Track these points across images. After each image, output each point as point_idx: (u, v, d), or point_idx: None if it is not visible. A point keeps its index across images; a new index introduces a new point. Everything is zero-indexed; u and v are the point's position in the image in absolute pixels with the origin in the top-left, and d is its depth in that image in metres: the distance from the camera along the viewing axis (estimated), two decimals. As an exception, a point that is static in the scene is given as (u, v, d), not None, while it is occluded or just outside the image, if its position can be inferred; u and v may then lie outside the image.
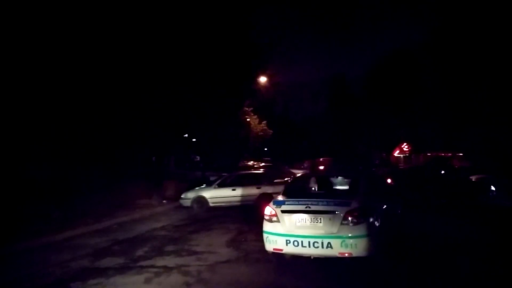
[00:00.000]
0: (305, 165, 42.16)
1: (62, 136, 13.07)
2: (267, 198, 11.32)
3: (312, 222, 5.60)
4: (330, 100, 50.77)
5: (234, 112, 24.29)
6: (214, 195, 13.27)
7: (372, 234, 5.46)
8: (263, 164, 32.95)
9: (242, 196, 13.03)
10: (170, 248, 7.76)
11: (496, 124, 19.25)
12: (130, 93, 14.30)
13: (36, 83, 11.97)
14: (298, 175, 14.00)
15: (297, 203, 5.88)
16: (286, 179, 14.22)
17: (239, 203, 13.02)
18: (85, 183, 13.79)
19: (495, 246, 7.15)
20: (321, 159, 40.53)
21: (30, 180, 11.89)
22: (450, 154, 29.83)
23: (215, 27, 16.66)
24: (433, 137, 28.47)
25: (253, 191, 12.95)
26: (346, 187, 7.55)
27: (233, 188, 13.26)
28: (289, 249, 5.73)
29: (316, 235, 5.50)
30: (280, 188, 10.10)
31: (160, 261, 6.72)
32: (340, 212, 5.48)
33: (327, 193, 6.66)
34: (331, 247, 5.40)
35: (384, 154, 42.27)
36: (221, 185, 13.59)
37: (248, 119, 33.12)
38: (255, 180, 13.54)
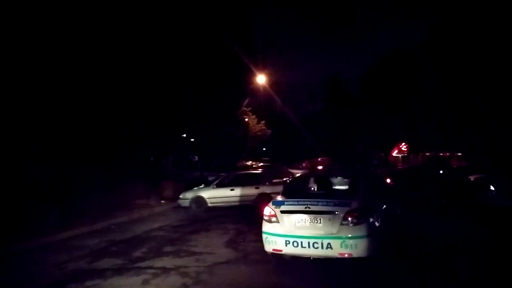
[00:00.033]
0: (304, 165, 42.11)
1: (62, 136, 13.04)
2: (266, 198, 11.32)
3: (311, 223, 5.55)
4: (328, 100, 50.77)
5: (233, 112, 24.29)
6: (212, 195, 13.22)
7: (372, 235, 5.41)
8: (261, 164, 32.87)
9: (240, 196, 12.99)
10: (168, 248, 7.71)
11: (495, 124, 19.25)
12: (130, 93, 14.28)
13: (36, 83, 11.95)
14: (297, 175, 13.97)
15: (296, 203, 5.83)
16: (284, 179, 14.18)
17: (237, 203, 12.97)
18: (85, 183, 13.77)
19: (495, 246, 7.13)
20: (319, 159, 40.51)
21: (30, 180, 11.88)
22: (448, 154, 29.89)
23: (213, 27, 16.66)
24: (432, 137, 28.47)
25: (252, 191, 12.90)
26: (345, 187, 7.50)
27: (232, 188, 13.21)
28: (289, 250, 5.68)
29: (315, 235, 5.45)
30: (279, 188, 10.09)
31: (158, 262, 6.67)
32: (340, 212, 5.43)
33: (326, 193, 6.60)
34: (331, 247, 5.36)
35: (383, 154, 42.30)
36: (220, 185, 13.54)
37: (246, 119, 33.07)
38: (253, 180, 13.49)
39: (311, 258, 5.72)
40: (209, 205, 13.10)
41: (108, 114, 14.11)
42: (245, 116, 32.46)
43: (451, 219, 10.22)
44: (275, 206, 5.96)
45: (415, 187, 14.00)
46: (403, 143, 39.20)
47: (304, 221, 5.61)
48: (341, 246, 5.32)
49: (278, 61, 28.32)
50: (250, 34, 20.45)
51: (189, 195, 13.45)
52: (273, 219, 5.85)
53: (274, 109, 37.94)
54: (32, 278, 6.19)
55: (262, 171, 16.81)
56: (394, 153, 42.52)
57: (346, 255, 5.34)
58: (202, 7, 16.23)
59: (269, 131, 37.53)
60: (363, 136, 40.50)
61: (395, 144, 40.21)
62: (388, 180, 12.92)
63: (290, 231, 5.66)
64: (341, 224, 5.37)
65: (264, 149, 46.47)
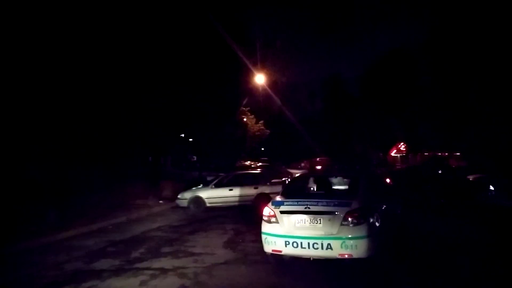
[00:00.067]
0: (303, 164, 42.07)
1: (61, 136, 13.02)
2: (265, 198, 11.29)
3: (311, 223, 5.50)
4: (327, 100, 50.76)
5: (232, 112, 24.30)
6: (211, 195, 13.16)
7: (372, 235, 5.36)
8: (260, 164, 32.81)
9: (239, 196, 12.93)
10: (166, 249, 7.65)
11: (495, 124, 19.25)
12: (129, 93, 14.28)
13: (35, 83, 11.92)
14: (296, 175, 13.92)
15: (296, 203, 5.78)
16: (283, 179, 14.13)
17: (236, 203, 12.92)
18: (83, 183, 13.74)
19: (495, 246, 7.11)
20: (318, 159, 40.47)
21: (30, 180, 11.85)
22: (446, 154, 29.91)
23: (212, 27, 16.64)
24: (431, 137, 28.48)
25: (251, 191, 12.85)
26: (345, 187, 7.46)
27: (230, 188, 13.15)
28: (288, 251, 5.63)
29: (315, 236, 5.41)
30: (278, 188, 10.06)
31: (156, 263, 6.61)
32: (340, 212, 5.38)
33: (326, 194, 6.56)
34: (331, 248, 5.31)
35: (381, 154, 42.31)
36: (218, 185, 13.48)
37: (245, 119, 33.02)
38: (252, 180, 13.43)
39: (311, 259, 5.67)
40: (208, 205, 13.04)
41: (107, 114, 14.12)
42: (243, 116, 32.41)
43: (451, 219, 10.20)
44: (275, 206, 5.91)
45: (414, 187, 13.98)
46: (402, 143, 39.21)
47: (304, 222, 5.56)
48: (341, 247, 5.27)
49: (277, 61, 28.25)
50: (249, 34, 20.48)
51: (187, 195, 13.39)
52: (273, 219, 5.80)
53: (273, 109, 37.87)
54: (31, 278, 6.14)
55: (261, 171, 16.77)
56: (393, 153, 42.54)
57: (346, 256, 5.29)
58: (201, 7, 16.21)
59: (268, 131, 37.50)
60: (362, 136, 40.47)
61: (393, 143, 40.21)
62: (388, 180, 12.88)
63: (289, 231, 5.61)
64: (341, 224, 5.32)
65: (262, 149, 46.43)
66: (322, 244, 5.34)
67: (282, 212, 5.76)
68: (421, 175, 15.71)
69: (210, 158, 30.91)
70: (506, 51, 17.84)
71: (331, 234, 5.33)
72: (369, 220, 5.40)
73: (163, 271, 6.11)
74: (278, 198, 6.30)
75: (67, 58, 12.37)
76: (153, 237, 9.03)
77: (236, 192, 12.99)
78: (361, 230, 5.28)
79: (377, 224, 5.57)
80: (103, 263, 6.78)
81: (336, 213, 5.40)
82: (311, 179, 7.62)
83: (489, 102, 19.38)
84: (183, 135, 23.52)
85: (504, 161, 17.17)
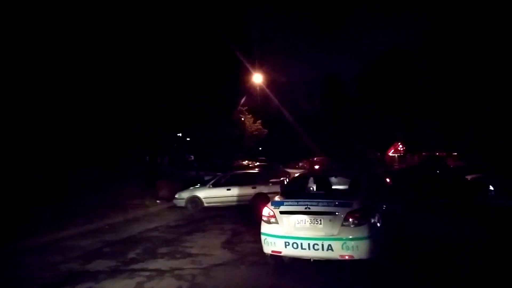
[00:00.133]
0: (301, 164, 42.00)
1: (59, 136, 12.96)
2: (263, 198, 11.24)
3: (311, 224, 5.40)
4: (325, 99, 50.79)
5: (230, 111, 24.25)
6: (208, 195, 13.08)
7: (374, 236, 5.27)
8: (258, 163, 32.70)
9: (237, 196, 12.87)
10: (163, 250, 7.54)
11: (493, 124, 19.24)
12: (128, 93, 14.23)
13: (35, 83, 11.85)
14: (295, 175, 13.82)
15: (296, 203, 5.68)
16: (282, 178, 14.03)
17: (234, 203, 12.85)
18: (81, 182, 13.64)
19: (494, 246, 7.06)
20: (316, 159, 40.41)
21: (28, 179, 11.77)
22: (444, 154, 29.88)
23: (210, 26, 16.61)
24: (431, 137, 28.47)
25: (249, 191, 12.79)
26: (345, 187, 7.35)
27: (228, 188, 13.08)
28: (288, 252, 5.53)
29: (316, 237, 5.31)
30: (276, 188, 9.95)
31: (153, 264, 6.50)
32: (340, 213, 5.28)
33: (327, 194, 6.46)
34: (331, 249, 5.21)
35: (379, 154, 42.30)
36: (216, 185, 13.41)
37: (242, 118, 32.91)
38: (250, 180, 13.37)
39: (311, 260, 5.57)
40: (205, 205, 12.96)
41: (105, 114, 14.07)
42: (241, 116, 32.31)
43: (450, 219, 10.14)
44: (274, 206, 5.81)
45: (413, 187, 13.92)
46: (400, 143, 39.22)
47: (304, 222, 5.46)
48: (342, 248, 5.17)
49: (275, 61, 28.31)
50: (248, 33, 20.45)
51: (185, 195, 13.30)
52: (272, 219, 5.69)
53: (271, 108, 37.82)
54: (28, 279, 6.03)
55: (259, 171, 16.69)
56: (391, 153, 42.53)
57: (347, 257, 5.19)
58: (199, 6, 16.17)
59: (266, 130, 37.42)
60: (361, 135, 40.46)
61: (391, 143, 40.21)
62: (387, 180, 12.81)
63: (289, 232, 5.51)
64: (342, 225, 5.23)
65: (260, 148, 46.33)
66: (322, 245, 5.24)
67: (282, 213, 5.66)
68: (420, 175, 15.65)
69: (208, 158, 30.79)
70: (506, 51, 17.82)
71: (332, 235, 5.23)
72: (370, 221, 5.30)
73: (160, 272, 6.00)
74: (277, 198, 6.19)
75: (67, 58, 12.33)
76: (150, 237, 8.91)
77: (234, 192, 12.92)
78: (363, 231, 5.19)
79: (378, 224, 5.47)
80: (99, 264, 6.66)
81: (337, 213, 5.30)
82: (311, 179, 7.51)
83: (489, 102, 19.36)
84: (180, 134, 23.44)
85: (504, 161, 17.12)
